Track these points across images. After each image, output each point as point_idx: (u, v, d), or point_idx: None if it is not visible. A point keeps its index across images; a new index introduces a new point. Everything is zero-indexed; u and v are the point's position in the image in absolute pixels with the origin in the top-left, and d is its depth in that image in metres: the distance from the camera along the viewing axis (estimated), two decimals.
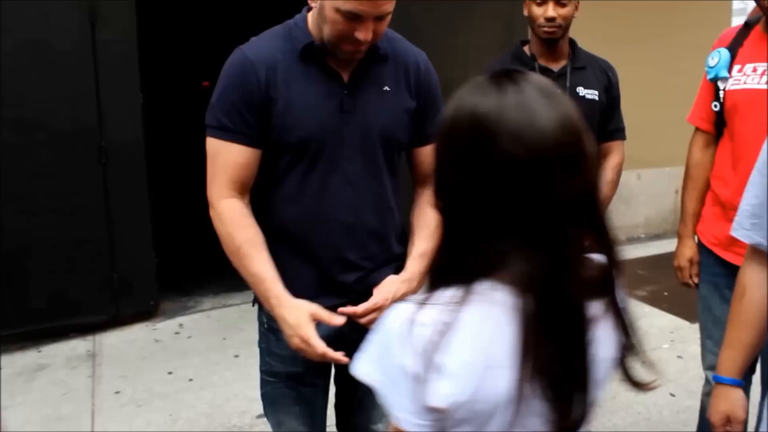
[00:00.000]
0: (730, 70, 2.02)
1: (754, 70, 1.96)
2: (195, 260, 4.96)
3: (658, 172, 5.47)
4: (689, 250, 2.18)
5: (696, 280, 2.19)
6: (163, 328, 3.89)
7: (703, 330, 2.20)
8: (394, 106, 1.55)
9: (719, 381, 1.46)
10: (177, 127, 8.11)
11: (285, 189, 1.52)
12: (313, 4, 1.46)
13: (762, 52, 1.96)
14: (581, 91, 2.25)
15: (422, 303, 0.82)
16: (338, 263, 1.56)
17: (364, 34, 1.39)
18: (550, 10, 2.14)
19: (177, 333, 3.82)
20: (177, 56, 8.05)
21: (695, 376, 3.14)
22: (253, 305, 1.68)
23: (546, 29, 2.17)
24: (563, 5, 2.15)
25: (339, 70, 1.51)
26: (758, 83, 1.95)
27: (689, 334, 3.67)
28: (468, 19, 4.49)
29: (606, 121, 2.33)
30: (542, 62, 2.25)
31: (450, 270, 0.84)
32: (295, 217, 1.52)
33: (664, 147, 5.37)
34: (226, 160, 1.48)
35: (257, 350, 1.69)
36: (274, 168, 1.53)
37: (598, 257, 0.86)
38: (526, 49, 2.31)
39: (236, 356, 3.46)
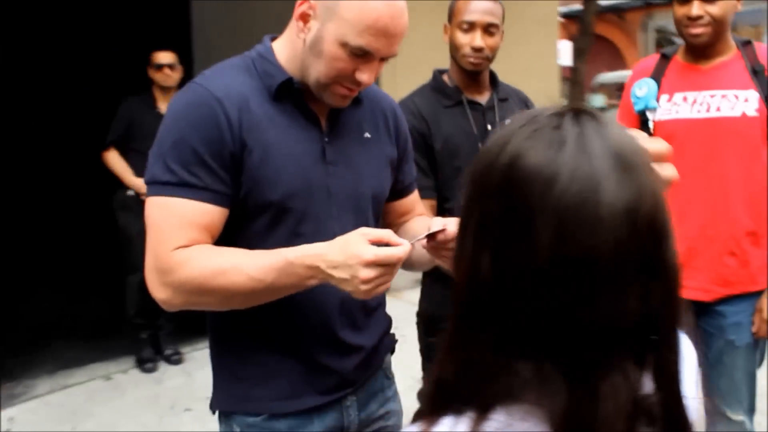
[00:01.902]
0: (657, 100, 1.98)
1: (685, 99, 1.94)
2: (17, 334, 4.15)
3: None
4: None
5: None
6: None
7: None
8: (377, 156, 1.34)
9: None
10: None
11: None
12: (302, 35, 1.18)
13: (689, 81, 1.95)
14: None
15: None
16: (332, 347, 1.26)
17: (368, 76, 1.17)
18: (478, 40, 1.93)
19: (7, 431, 3.09)
20: None
21: None
22: (213, 412, 1.32)
23: (472, 60, 1.96)
24: (491, 34, 1.95)
25: (317, 112, 1.25)
26: (690, 113, 1.92)
27: None
28: None
29: None
30: (468, 95, 2.05)
31: (458, 392, 0.63)
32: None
33: None
34: (182, 219, 1.13)
35: None
36: (246, 233, 1.20)
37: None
38: (445, 78, 2.09)
39: None
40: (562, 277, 0.56)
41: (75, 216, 5.71)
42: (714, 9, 1.82)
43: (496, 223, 0.60)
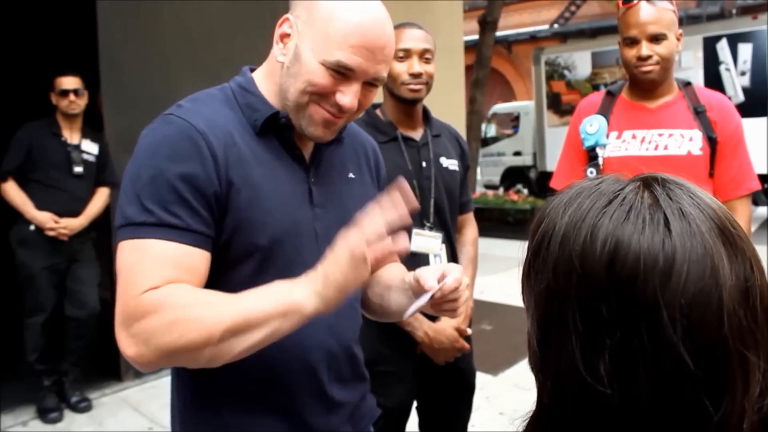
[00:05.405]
0: (606, 136, 2.04)
1: (634, 137, 2.01)
2: None
3: None
4: None
5: None
6: None
7: None
8: (361, 197, 1.25)
9: None
10: None
11: None
12: (281, 57, 1.10)
13: (637, 119, 2.02)
14: (444, 161, 2.02)
15: None
16: (319, 405, 1.18)
17: (350, 99, 1.07)
18: (416, 66, 1.89)
19: None
20: None
21: None
22: None
23: (412, 86, 1.90)
24: (428, 61, 1.92)
25: (302, 149, 1.18)
26: (639, 150, 1.99)
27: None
28: None
29: (460, 192, 2.12)
30: (402, 130, 1.98)
31: None
32: (262, 350, 1.06)
33: None
34: (159, 258, 0.99)
35: None
36: (228, 282, 1.07)
37: None
38: (378, 113, 2.02)
39: None
40: (695, 376, 0.52)
41: None
42: (660, 49, 1.90)
43: (610, 326, 0.53)
